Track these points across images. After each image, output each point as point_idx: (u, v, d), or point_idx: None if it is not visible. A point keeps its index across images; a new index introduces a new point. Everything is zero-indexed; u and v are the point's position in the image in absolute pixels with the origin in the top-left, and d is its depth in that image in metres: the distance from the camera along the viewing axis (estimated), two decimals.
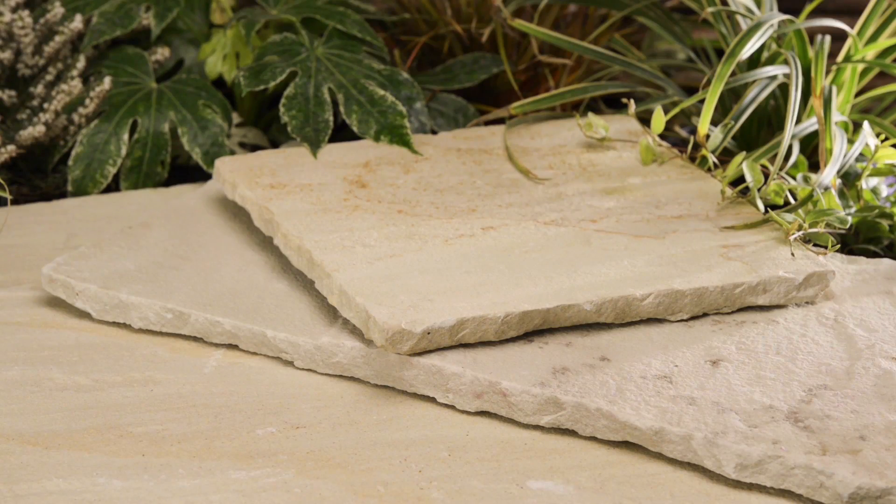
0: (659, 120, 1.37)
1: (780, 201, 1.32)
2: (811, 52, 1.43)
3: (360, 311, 1.16)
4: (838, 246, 1.26)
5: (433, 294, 1.18)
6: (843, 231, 1.30)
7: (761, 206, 1.30)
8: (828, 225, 1.28)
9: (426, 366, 1.14)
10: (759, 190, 1.31)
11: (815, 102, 1.37)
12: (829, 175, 1.33)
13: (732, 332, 1.19)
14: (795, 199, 1.33)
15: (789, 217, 1.27)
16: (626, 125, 1.45)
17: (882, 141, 1.40)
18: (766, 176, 1.34)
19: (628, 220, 1.29)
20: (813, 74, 1.39)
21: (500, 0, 1.53)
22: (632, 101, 1.40)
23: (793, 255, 1.24)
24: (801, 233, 1.25)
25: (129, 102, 1.49)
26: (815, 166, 1.44)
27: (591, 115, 1.43)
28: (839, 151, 1.35)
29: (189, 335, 1.23)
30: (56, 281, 1.26)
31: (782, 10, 1.53)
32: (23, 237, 1.38)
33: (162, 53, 1.55)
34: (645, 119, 1.43)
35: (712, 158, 1.36)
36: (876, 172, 1.38)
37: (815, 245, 1.27)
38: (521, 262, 1.23)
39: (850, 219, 1.29)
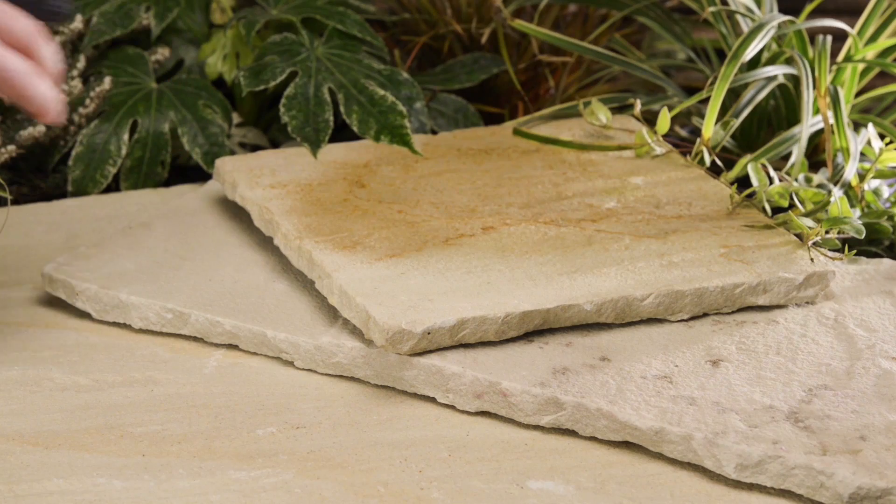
0: (664, 120, 1.37)
1: (785, 203, 1.32)
2: (812, 52, 1.42)
3: (361, 311, 1.16)
4: (854, 252, 1.26)
5: (433, 294, 1.17)
6: (857, 238, 1.29)
7: (769, 209, 1.30)
8: (840, 231, 1.27)
9: (426, 366, 1.14)
10: (763, 191, 1.31)
11: (821, 102, 1.37)
12: (850, 173, 1.32)
13: (732, 332, 1.19)
14: (799, 200, 1.32)
15: (809, 223, 1.26)
16: (628, 125, 1.45)
17: (887, 144, 1.40)
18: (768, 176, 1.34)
19: (629, 220, 1.29)
20: (816, 74, 1.39)
21: (500, 0, 1.53)
22: (637, 100, 1.40)
23: (812, 260, 1.23)
24: (818, 238, 1.25)
25: (129, 102, 1.49)
26: (815, 166, 1.44)
27: (594, 101, 1.43)
28: (856, 149, 1.35)
29: (189, 335, 1.23)
30: (56, 281, 1.26)
31: (782, 10, 1.53)
32: (23, 237, 1.38)
33: (162, 53, 1.55)
34: (646, 119, 1.43)
35: (715, 159, 1.35)
36: (879, 175, 1.37)
37: (830, 250, 1.26)
38: (522, 262, 1.23)
39: (863, 228, 1.28)
